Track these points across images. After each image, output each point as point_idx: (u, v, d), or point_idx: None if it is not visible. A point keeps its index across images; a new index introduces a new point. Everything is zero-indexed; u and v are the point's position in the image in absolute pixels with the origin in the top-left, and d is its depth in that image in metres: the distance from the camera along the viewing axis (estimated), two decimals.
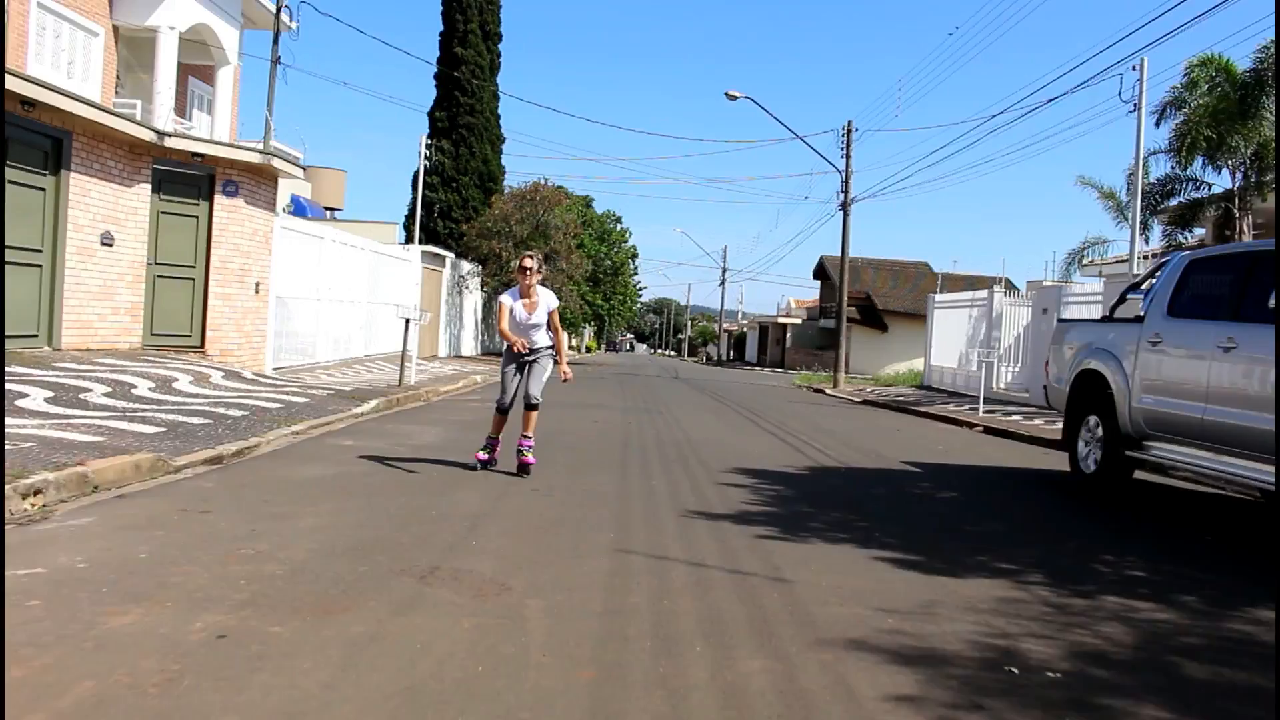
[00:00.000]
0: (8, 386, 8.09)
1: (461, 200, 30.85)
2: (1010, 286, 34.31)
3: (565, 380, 6.82)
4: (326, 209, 32.18)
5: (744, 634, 3.18)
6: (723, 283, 57.32)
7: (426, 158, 26.40)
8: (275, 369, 14.00)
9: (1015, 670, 2.96)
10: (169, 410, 8.35)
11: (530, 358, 6.66)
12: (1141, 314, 6.83)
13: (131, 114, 14.92)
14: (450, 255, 24.96)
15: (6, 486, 4.72)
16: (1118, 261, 20.35)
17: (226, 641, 2.85)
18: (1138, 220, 15.52)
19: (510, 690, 2.57)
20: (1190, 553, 5.13)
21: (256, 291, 13.50)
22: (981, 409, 15.20)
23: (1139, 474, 7.38)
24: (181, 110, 18.43)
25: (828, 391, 22.29)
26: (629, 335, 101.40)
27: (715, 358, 59.49)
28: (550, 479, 6.36)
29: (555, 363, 6.79)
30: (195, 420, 7.94)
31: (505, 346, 6.70)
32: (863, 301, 38.91)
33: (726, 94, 22.84)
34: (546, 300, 6.80)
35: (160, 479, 5.82)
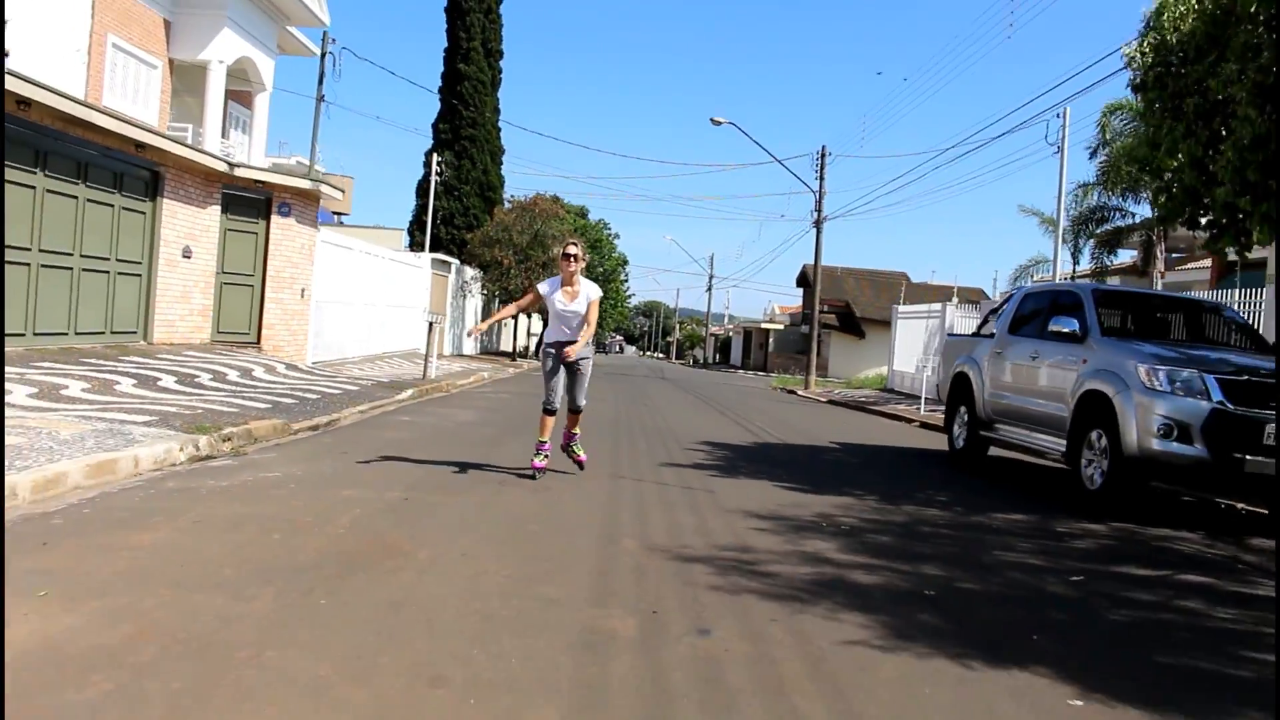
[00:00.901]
0: (144, 371, 10.72)
1: (463, 208, 33.51)
2: (984, 297, 37.20)
3: (567, 359, 6.64)
4: (334, 214, 34.72)
5: (683, 508, 5.90)
6: (709, 289, 60.33)
7: (438, 173, 29.02)
8: (314, 363, 16.64)
9: (825, 526, 5.69)
10: (262, 392, 11.01)
11: (572, 360, 6.69)
12: (994, 332, 9.61)
13: (183, 136, 17.57)
14: (455, 262, 27.62)
15: (213, 433, 7.38)
16: (1070, 278, 23.22)
17: (410, 501, 5.54)
18: (1059, 246, 18.35)
19: (563, 518, 5.29)
20: (985, 492, 7.88)
21: (302, 296, 16.16)
22: (923, 408, 17.97)
23: (1002, 452, 10.10)
24: (223, 131, 21.03)
25: (799, 393, 25.04)
26: (618, 337, 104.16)
27: (701, 360, 62.34)
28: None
29: (578, 353, 6.71)
30: (286, 400, 10.60)
31: (543, 345, 6.87)
32: (842, 309, 41.72)
33: (711, 120, 25.60)
34: (588, 291, 6.72)
35: (289, 437, 8.48)
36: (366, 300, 20.43)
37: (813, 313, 27.01)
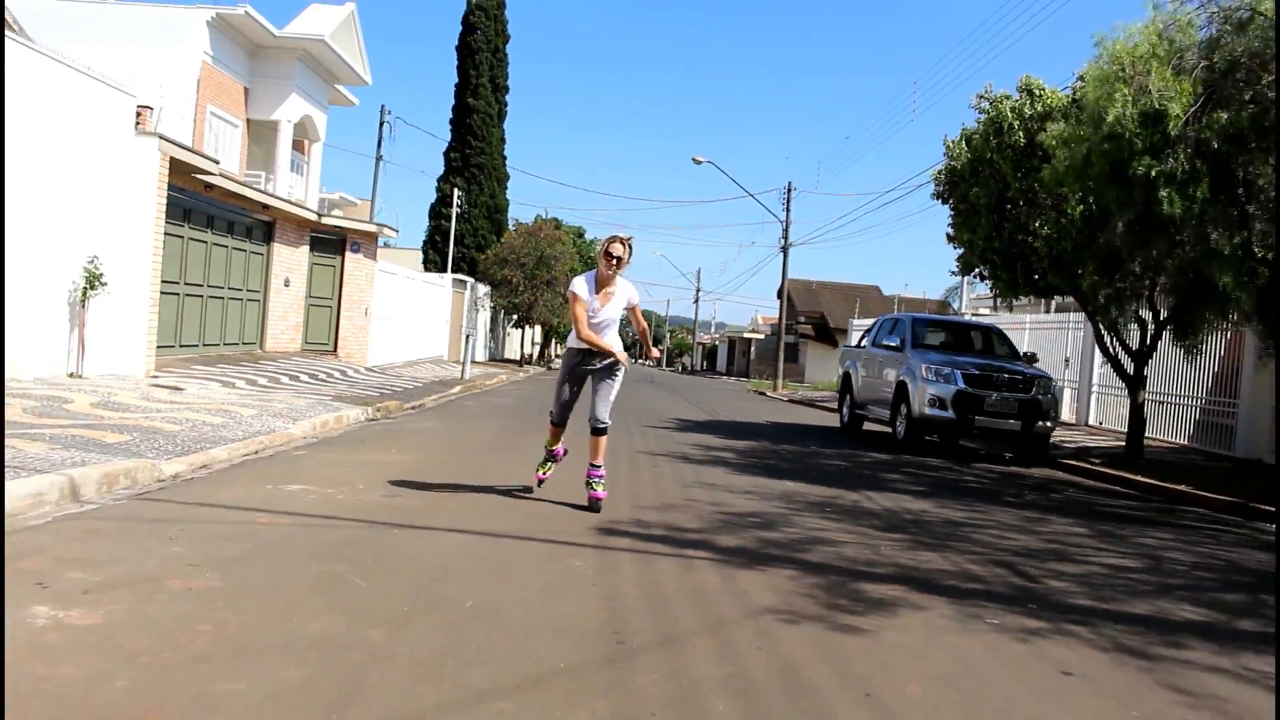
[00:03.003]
0: (284, 372, 16.08)
1: (472, 229, 38.97)
2: (946, 306, 42.76)
3: (653, 359, 6.71)
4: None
5: (653, 441, 11.38)
6: (696, 301, 66.07)
7: (458, 205, 34.49)
8: (373, 366, 22.04)
9: (728, 450, 11.18)
10: (362, 385, 16.41)
11: (596, 366, 6.41)
12: (865, 344, 15.13)
13: (256, 182, 22.97)
14: (470, 280, 33.07)
15: (370, 406, 12.79)
16: (977, 298, 28.82)
17: (506, 436, 11.00)
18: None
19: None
20: (839, 442, 13.36)
21: (365, 314, 21.59)
22: None
23: (871, 426, 15.52)
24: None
25: (768, 394, 30.55)
26: None
27: (689, 367, 67.97)
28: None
29: (627, 361, 6.53)
30: (384, 389, 15.99)
31: (567, 350, 6.56)
32: (818, 320, 47.28)
33: (693, 159, 31.12)
34: (626, 293, 6.31)
35: (407, 411, 13.86)
36: (405, 316, 25.87)
37: (779, 326, 32.58)
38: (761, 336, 56.45)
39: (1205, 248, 7.53)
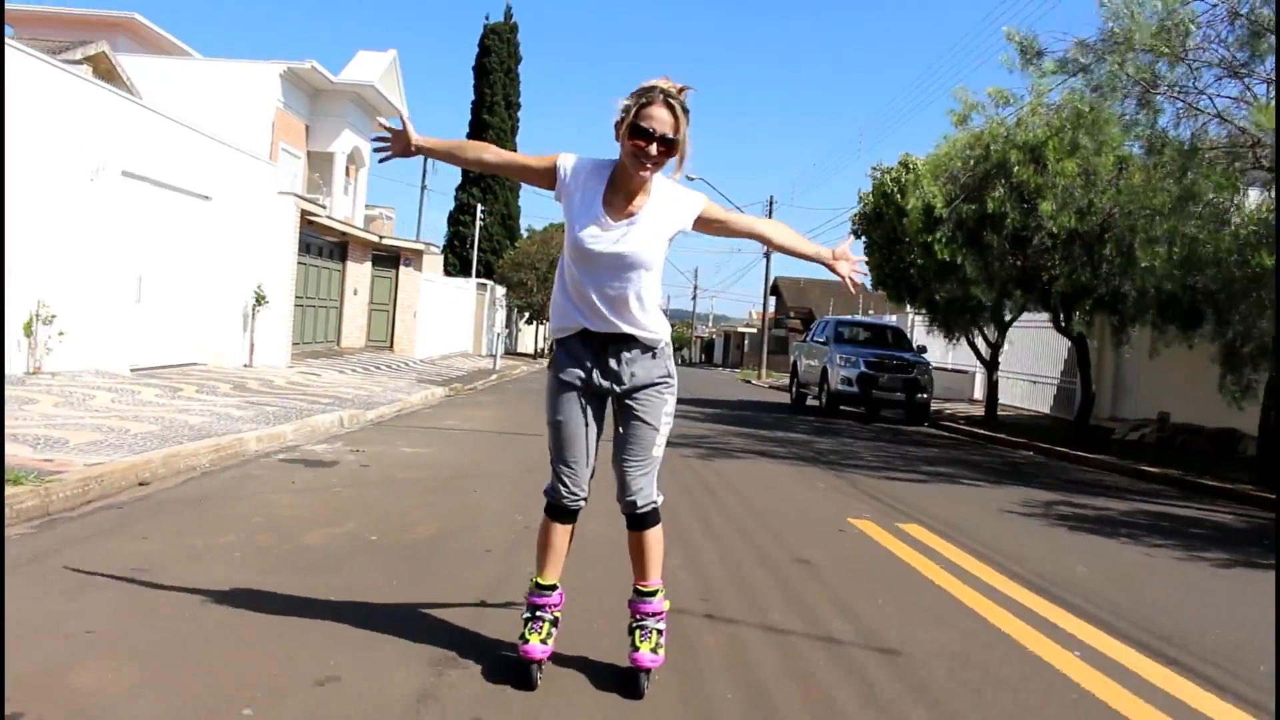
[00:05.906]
0: (367, 365, 22.02)
1: (488, 235, 44.97)
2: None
3: (854, 289, 3.56)
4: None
5: None
6: (694, 297, 72.12)
7: (481, 218, 40.49)
8: (421, 359, 28.02)
9: (699, 412, 17.19)
10: (425, 372, 22.40)
11: (622, 385, 3.30)
12: (807, 339, 21.13)
13: (314, 196, 28.93)
14: (490, 283, 39.11)
15: (447, 386, 18.77)
16: None
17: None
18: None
19: None
20: (777, 410, 19.34)
21: (414, 316, 27.61)
22: None
23: (812, 403, 21.44)
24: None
25: (753, 381, 36.52)
26: None
27: (688, 359, 74.16)
28: None
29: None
30: (442, 375, 21.96)
31: (555, 344, 3.42)
32: (806, 315, 53.22)
33: (686, 175, 36.98)
34: (681, 205, 3.30)
35: (469, 390, 19.85)
36: (440, 316, 31.92)
37: (764, 322, 38.58)
38: (755, 330, 62.49)
39: (965, 276, 13.57)
